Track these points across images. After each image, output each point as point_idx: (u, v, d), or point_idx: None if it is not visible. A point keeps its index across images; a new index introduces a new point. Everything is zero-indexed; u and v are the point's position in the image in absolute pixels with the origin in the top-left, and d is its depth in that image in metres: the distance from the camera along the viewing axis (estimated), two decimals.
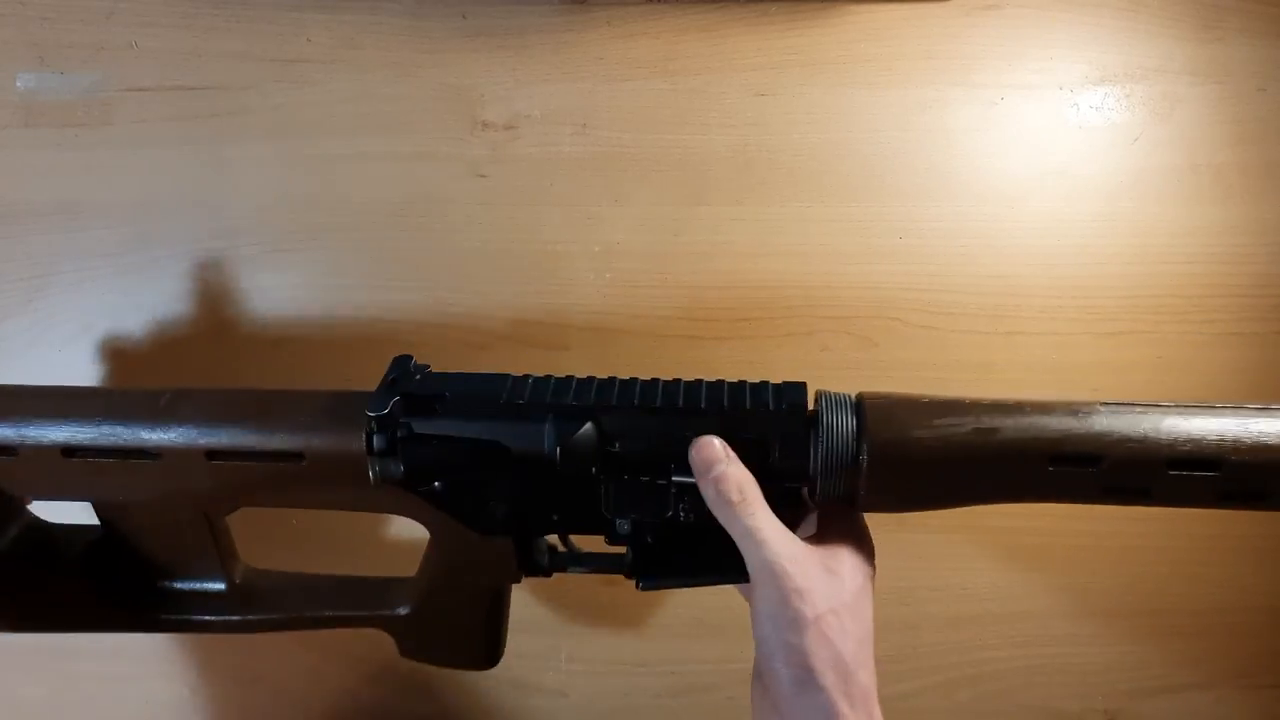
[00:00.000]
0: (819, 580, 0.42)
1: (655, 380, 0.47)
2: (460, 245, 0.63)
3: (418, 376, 0.48)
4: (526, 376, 0.47)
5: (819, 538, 0.45)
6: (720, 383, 0.46)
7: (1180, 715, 0.64)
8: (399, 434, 0.46)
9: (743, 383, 0.46)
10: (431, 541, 0.51)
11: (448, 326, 0.63)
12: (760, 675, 0.43)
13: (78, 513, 0.51)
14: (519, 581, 0.51)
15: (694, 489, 0.44)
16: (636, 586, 0.47)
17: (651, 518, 0.46)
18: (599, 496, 0.46)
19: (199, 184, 0.63)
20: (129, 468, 0.48)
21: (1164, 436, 0.42)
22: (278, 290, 0.63)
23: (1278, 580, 0.63)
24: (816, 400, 0.45)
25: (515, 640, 0.65)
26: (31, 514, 0.54)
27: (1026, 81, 0.62)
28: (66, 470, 0.48)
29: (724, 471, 0.43)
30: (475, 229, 0.63)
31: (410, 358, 0.49)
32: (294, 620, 0.54)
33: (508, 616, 0.55)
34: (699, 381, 0.47)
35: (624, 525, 0.47)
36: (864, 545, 0.45)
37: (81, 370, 0.63)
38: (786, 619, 0.41)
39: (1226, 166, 0.62)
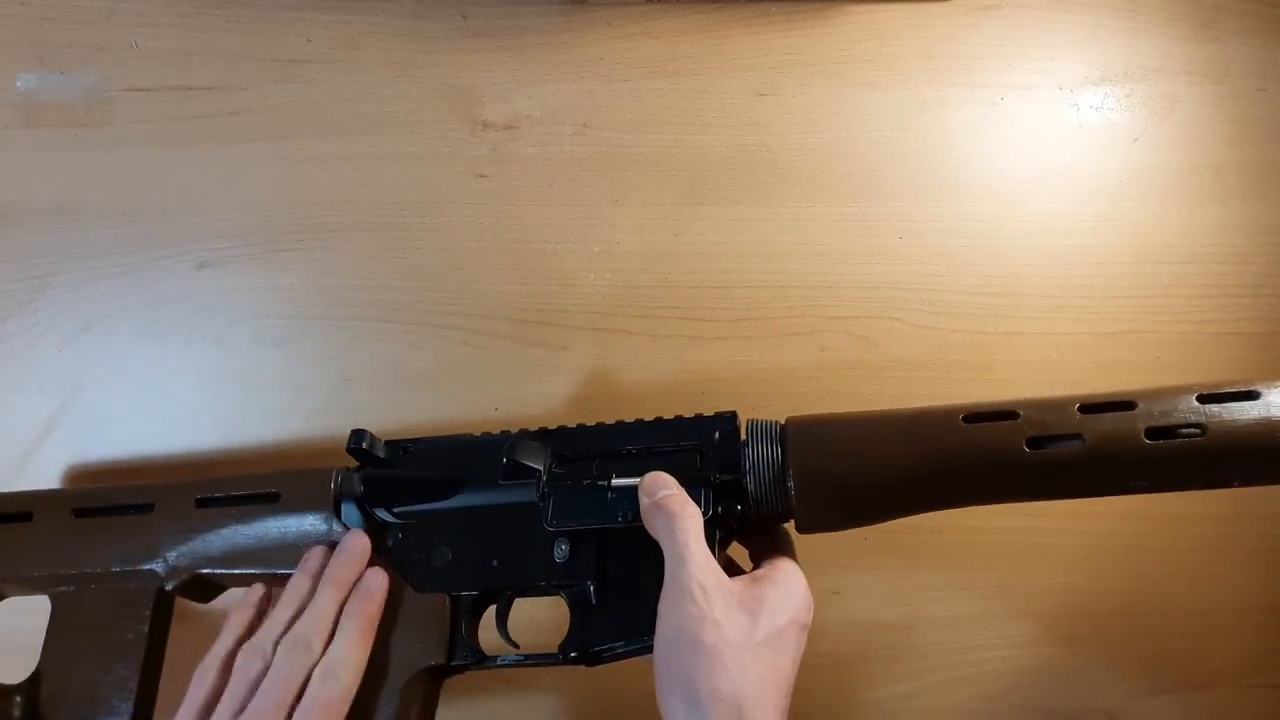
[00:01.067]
0: (727, 613, 0.41)
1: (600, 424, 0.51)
2: (460, 245, 0.63)
3: (380, 454, 0.51)
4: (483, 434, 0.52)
5: (748, 580, 0.44)
6: (658, 419, 0.50)
7: (1180, 715, 0.64)
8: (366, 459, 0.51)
9: (679, 418, 0.49)
10: None
11: (448, 327, 0.63)
12: (659, 705, 0.41)
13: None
14: (444, 666, 0.47)
15: (633, 493, 0.45)
16: (573, 660, 0.46)
17: (590, 521, 0.46)
18: (539, 521, 0.47)
19: (199, 183, 0.63)
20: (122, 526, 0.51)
21: (1070, 399, 0.42)
22: (278, 290, 0.63)
23: (1278, 580, 0.63)
24: (745, 429, 0.47)
25: (515, 640, 0.65)
26: None
27: (1026, 81, 0.62)
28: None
29: (672, 493, 0.44)
30: (475, 229, 0.63)
31: (365, 434, 0.50)
32: None
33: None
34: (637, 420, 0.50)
35: (562, 548, 0.47)
36: (792, 595, 0.44)
37: (81, 370, 0.63)
38: (683, 641, 0.40)
39: (1226, 166, 0.62)
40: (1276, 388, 0.39)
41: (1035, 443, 0.41)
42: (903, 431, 0.43)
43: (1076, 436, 0.41)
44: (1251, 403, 0.39)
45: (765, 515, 0.46)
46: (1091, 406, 0.41)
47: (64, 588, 0.52)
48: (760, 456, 0.45)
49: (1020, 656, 0.64)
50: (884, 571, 0.64)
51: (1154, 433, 0.40)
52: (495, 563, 0.48)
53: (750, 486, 0.45)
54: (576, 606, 0.47)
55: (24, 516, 0.52)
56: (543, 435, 0.50)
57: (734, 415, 0.48)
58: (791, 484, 0.44)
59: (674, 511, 0.43)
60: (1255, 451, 0.39)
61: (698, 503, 0.44)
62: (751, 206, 0.63)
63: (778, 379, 0.62)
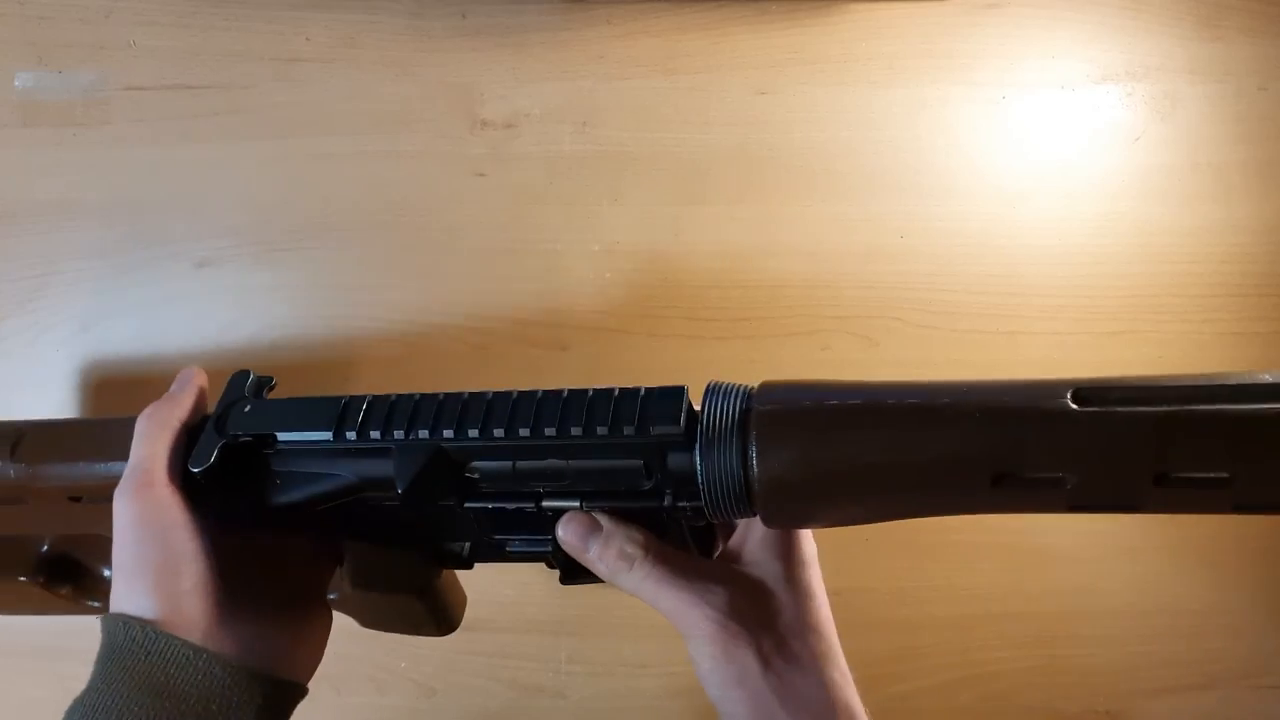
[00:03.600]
0: (752, 612, 0.37)
1: (506, 394, 0.39)
2: (460, 244, 0.63)
3: (247, 408, 0.42)
4: (364, 399, 0.41)
5: (738, 552, 0.40)
6: (583, 393, 0.38)
7: (1180, 715, 0.64)
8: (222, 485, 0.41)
9: (609, 391, 0.37)
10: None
11: (447, 326, 0.63)
12: None
13: None
14: (437, 575, 0.46)
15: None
16: (560, 580, 0.42)
17: (536, 544, 0.41)
18: (475, 527, 0.41)
19: (199, 184, 0.63)
20: None
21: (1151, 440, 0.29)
22: (277, 290, 0.63)
23: (1278, 580, 0.63)
24: (702, 400, 0.36)
25: (515, 640, 0.65)
26: None
27: (1028, 80, 0.62)
28: None
29: (602, 543, 0.38)
30: (475, 228, 0.63)
31: (248, 374, 0.44)
32: None
33: (449, 590, 0.49)
34: (557, 395, 0.38)
35: (516, 545, 0.42)
36: (791, 537, 0.39)
37: (80, 370, 0.63)
38: (736, 671, 0.36)
39: (1228, 165, 0.62)
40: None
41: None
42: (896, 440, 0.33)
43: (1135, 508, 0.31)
44: None
45: (728, 518, 0.37)
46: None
47: None
48: (718, 462, 0.35)
49: (1020, 657, 0.64)
50: (884, 571, 0.64)
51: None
52: (463, 550, 0.44)
53: (706, 501, 0.36)
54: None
55: None
56: (424, 443, 0.38)
57: (678, 411, 0.36)
58: (757, 490, 0.34)
59: (623, 570, 0.37)
60: None
61: (654, 516, 0.38)
62: (752, 205, 0.62)
63: (778, 378, 0.61)
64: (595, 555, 0.38)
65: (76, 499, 0.46)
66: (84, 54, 0.62)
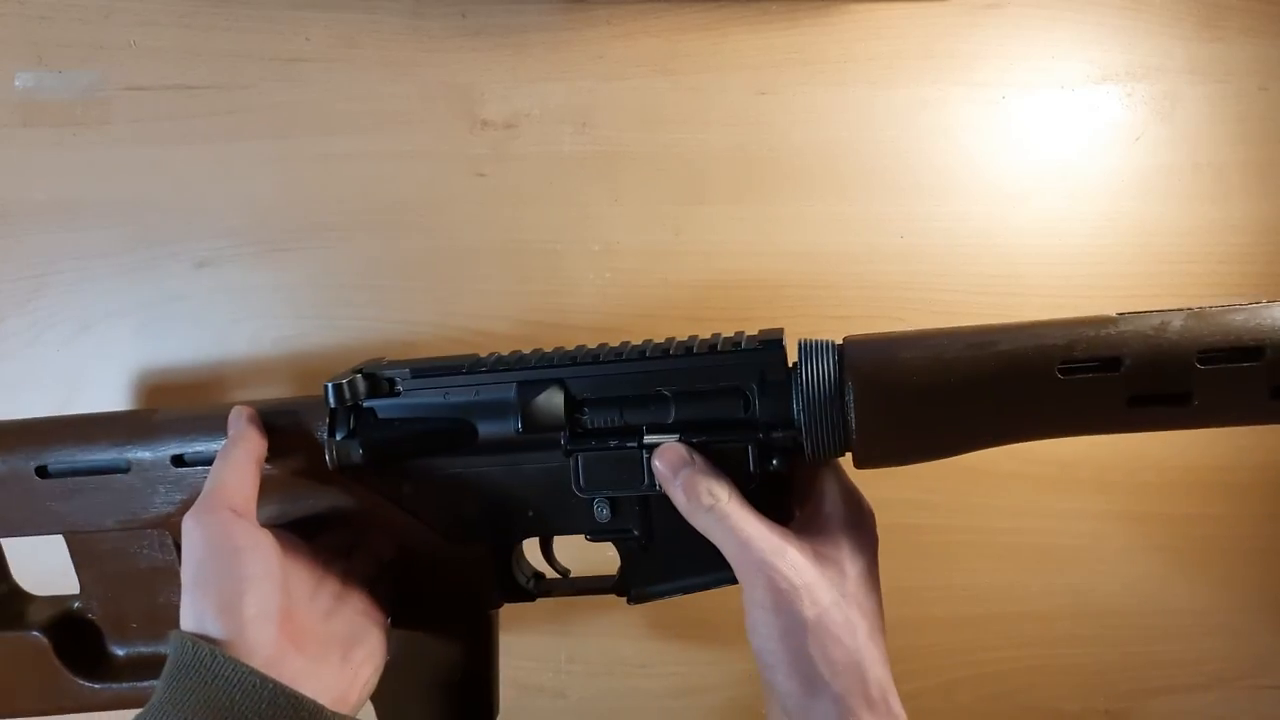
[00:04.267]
0: (814, 573, 0.38)
1: (624, 343, 0.45)
2: (460, 244, 0.63)
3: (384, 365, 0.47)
4: (491, 354, 0.46)
5: (809, 523, 0.42)
6: (692, 338, 0.44)
7: (1180, 715, 0.64)
8: (358, 417, 0.45)
9: (716, 335, 0.44)
10: (394, 566, 0.48)
11: (447, 326, 0.63)
12: (768, 689, 0.40)
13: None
14: (497, 605, 0.48)
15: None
16: (627, 601, 0.45)
17: (625, 490, 0.43)
18: (571, 479, 0.43)
19: (198, 184, 0.63)
20: (100, 487, 0.48)
21: (1188, 330, 0.36)
22: (277, 290, 0.63)
23: (1278, 580, 0.63)
24: (797, 348, 0.42)
25: (515, 640, 0.65)
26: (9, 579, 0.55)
27: (1028, 80, 0.62)
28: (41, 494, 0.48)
29: (691, 475, 0.40)
30: (475, 228, 0.63)
31: (382, 359, 0.48)
32: None
33: (494, 664, 0.50)
34: (669, 339, 0.45)
35: (602, 509, 0.44)
36: (862, 522, 0.42)
37: (80, 370, 0.63)
38: (783, 624, 0.38)
39: (1228, 166, 0.62)
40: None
41: (1137, 402, 0.37)
42: (990, 375, 0.38)
43: (1186, 397, 0.37)
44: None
45: (818, 454, 0.41)
46: (1211, 354, 0.36)
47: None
48: (813, 389, 0.40)
49: (1021, 656, 0.64)
50: (885, 572, 0.64)
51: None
52: (531, 513, 0.45)
53: (804, 426, 0.40)
54: (624, 553, 0.45)
55: None
56: (553, 366, 0.44)
57: (780, 342, 0.42)
58: (852, 413, 0.39)
59: (704, 505, 0.40)
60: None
61: (743, 462, 0.41)
62: (752, 206, 0.62)
63: None
64: (682, 483, 0.40)
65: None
66: (84, 54, 0.62)
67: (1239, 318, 0.37)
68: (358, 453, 0.45)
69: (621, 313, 0.62)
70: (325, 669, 0.42)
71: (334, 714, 0.39)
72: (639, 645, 0.65)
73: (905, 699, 0.65)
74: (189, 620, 0.39)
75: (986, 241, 0.62)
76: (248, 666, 0.37)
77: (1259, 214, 0.61)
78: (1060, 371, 0.37)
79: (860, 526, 0.42)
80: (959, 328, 0.40)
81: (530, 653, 0.65)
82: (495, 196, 0.63)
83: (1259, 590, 0.63)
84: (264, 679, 0.37)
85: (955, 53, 0.62)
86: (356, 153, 0.63)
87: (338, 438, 0.45)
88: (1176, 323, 0.37)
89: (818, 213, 0.62)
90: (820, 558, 0.39)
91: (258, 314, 0.63)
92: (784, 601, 0.38)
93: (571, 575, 0.50)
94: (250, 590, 0.39)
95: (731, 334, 0.44)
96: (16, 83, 0.63)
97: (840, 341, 0.42)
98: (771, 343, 0.42)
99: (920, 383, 0.38)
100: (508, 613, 0.65)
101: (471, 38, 0.63)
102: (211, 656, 0.37)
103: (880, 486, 0.63)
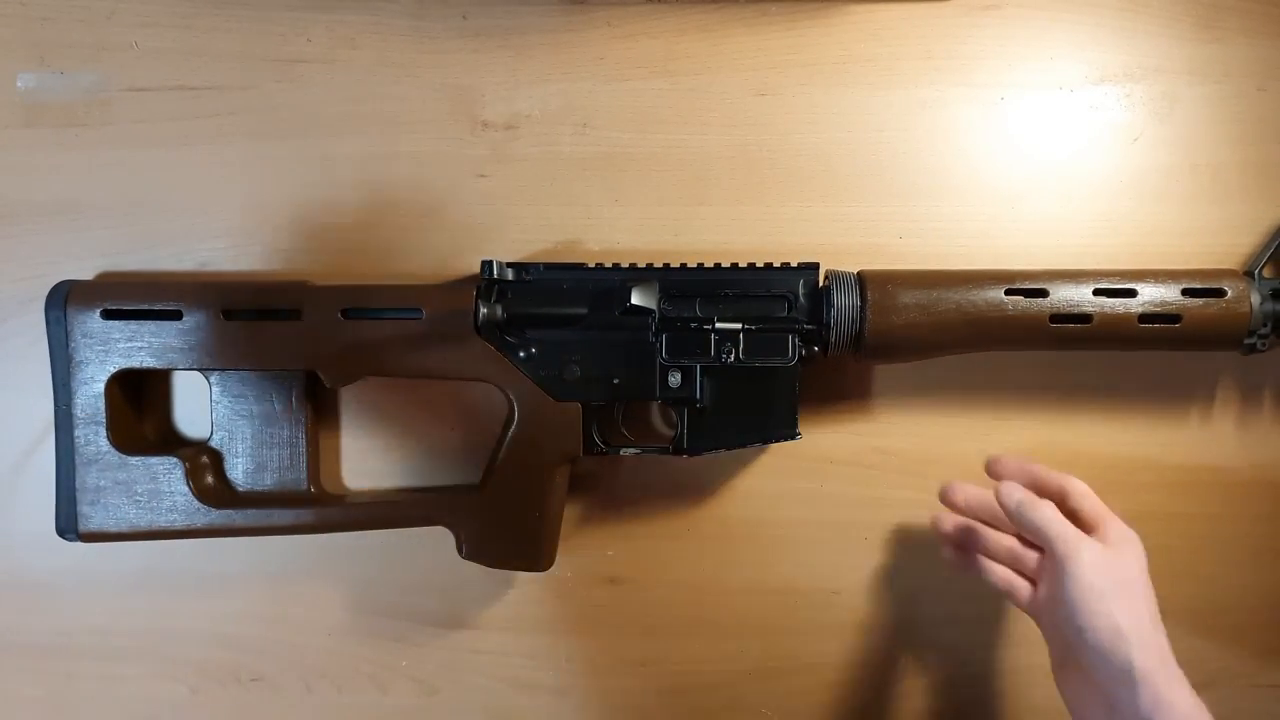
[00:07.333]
0: (1111, 560, 0.50)
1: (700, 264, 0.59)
2: (460, 245, 0.63)
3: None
4: (597, 263, 0.59)
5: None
6: (750, 266, 0.58)
7: None
8: (500, 291, 0.58)
9: (768, 266, 0.58)
10: (508, 418, 0.59)
11: None
12: (1065, 657, 0.52)
13: None
14: (580, 456, 0.59)
15: (734, 335, 0.57)
16: (684, 454, 0.59)
17: (697, 360, 0.58)
18: (654, 355, 0.58)
19: (199, 184, 0.63)
20: (276, 330, 0.58)
21: (1086, 274, 0.57)
22: None
23: (1278, 580, 0.63)
24: (825, 275, 0.58)
25: (516, 640, 0.65)
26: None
27: (1026, 81, 0.62)
28: (224, 335, 0.58)
29: (1055, 525, 0.52)
30: (475, 229, 0.63)
31: (492, 264, 0.57)
32: (365, 519, 0.61)
33: (561, 517, 0.61)
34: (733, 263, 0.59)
35: (675, 377, 0.58)
36: (1133, 543, 0.52)
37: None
38: (1110, 586, 0.49)
39: (1226, 166, 0.62)
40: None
41: (1055, 320, 0.56)
42: (957, 297, 0.56)
43: (1088, 318, 0.56)
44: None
45: (838, 347, 0.57)
46: (1102, 292, 0.56)
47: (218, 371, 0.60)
48: (840, 300, 0.56)
49: (1021, 656, 0.64)
50: (884, 571, 0.64)
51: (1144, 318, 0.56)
52: (617, 381, 0.58)
53: (832, 324, 0.56)
54: (685, 415, 0.59)
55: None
56: (650, 272, 0.58)
57: (817, 265, 0.58)
58: (865, 318, 0.56)
59: (1068, 554, 0.50)
60: None
61: (786, 346, 0.57)
62: (751, 206, 0.63)
63: None
64: (1027, 502, 0.53)
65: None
66: (86, 55, 0.63)
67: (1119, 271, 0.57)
68: (500, 315, 0.57)
69: None
70: None
71: None
72: (639, 645, 0.65)
73: (906, 698, 0.65)
74: None
75: (985, 241, 0.62)
76: None
77: (1257, 214, 0.61)
78: (1006, 292, 0.56)
79: (1132, 547, 0.52)
80: (946, 269, 0.58)
81: (530, 652, 0.65)
82: (496, 197, 0.63)
83: (1259, 590, 0.64)
84: None
85: (954, 54, 0.62)
86: (357, 153, 0.63)
87: (485, 302, 0.57)
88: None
89: (817, 213, 0.63)
90: (1114, 553, 0.51)
91: None
92: (1113, 561, 0.50)
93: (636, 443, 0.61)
94: None
95: (778, 264, 0.58)
96: (19, 83, 0.63)
97: (857, 274, 0.58)
98: (810, 265, 0.58)
99: (912, 300, 0.56)
100: (509, 611, 0.65)
101: (472, 39, 0.63)
102: None
103: (882, 486, 0.63)
